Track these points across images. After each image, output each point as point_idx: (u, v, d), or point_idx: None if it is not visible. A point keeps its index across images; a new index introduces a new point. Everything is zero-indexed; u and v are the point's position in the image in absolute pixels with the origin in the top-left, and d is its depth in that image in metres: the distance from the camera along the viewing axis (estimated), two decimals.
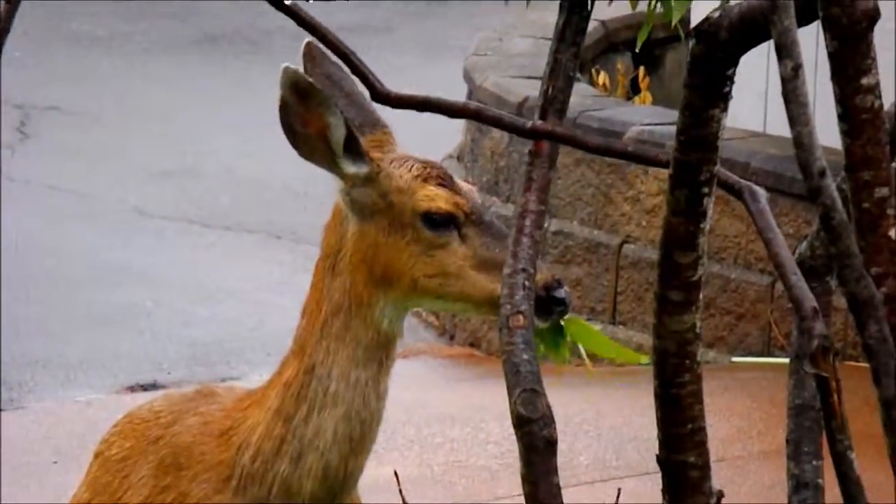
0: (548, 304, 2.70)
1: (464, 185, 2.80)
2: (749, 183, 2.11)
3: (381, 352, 2.73)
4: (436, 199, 2.75)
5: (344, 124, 2.72)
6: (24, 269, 7.79)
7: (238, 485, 2.73)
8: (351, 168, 2.76)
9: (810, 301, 1.90)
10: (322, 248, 2.80)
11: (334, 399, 2.72)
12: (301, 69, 2.79)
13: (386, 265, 2.74)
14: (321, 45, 2.47)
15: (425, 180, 2.77)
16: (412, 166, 2.78)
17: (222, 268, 8.00)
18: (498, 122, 2.35)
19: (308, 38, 2.73)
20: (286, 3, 2.22)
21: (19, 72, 9.80)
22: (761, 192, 2.08)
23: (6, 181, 8.71)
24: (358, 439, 2.72)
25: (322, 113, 2.71)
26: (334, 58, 2.46)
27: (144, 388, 6.88)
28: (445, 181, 2.77)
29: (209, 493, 2.74)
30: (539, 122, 2.29)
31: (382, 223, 2.75)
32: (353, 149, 2.75)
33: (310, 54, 2.82)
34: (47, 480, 5.74)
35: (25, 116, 9.50)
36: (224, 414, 2.79)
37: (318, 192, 8.60)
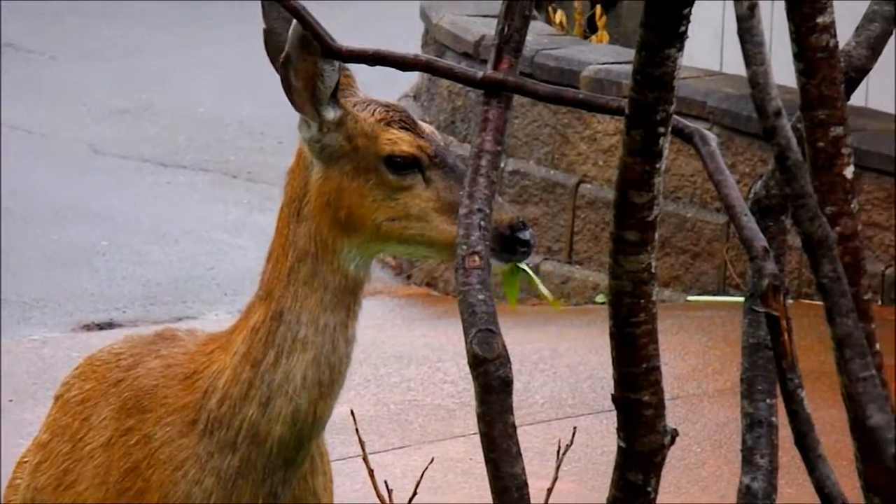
0: (512, 244, 2.71)
1: (426, 128, 2.80)
2: (699, 127, 2.11)
3: (349, 297, 2.74)
4: (399, 142, 2.74)
5: (338, 71, 2.71)
6: None
7: (204, 428, 2.74)
8: (330, 114, 2.75)
9: (760, 241, 1.91)
10: (286, 194, 2.80)
11: (303, 344, 2.72)
12: (261, 9, 2.77)
13: (350, 209, 2.73)
14: None
15: (388, 124, 2.76)
16: (375, 110, 2.77)
17: (178, 207, 7.96)
18: (449, 73, 2.34)
19: None
20: None
21: None
22: (711, 136, 2.09)
23: None
24: (327, 384, 2.73)
25: (316, 61, 2.69)
26: None
27: (100, 326, 6.86)
28: (408, 124, 2.76)
29: (174, 435, 2.74)
30: (490, 72, 2.28)
31: (347, 167, 2.75)
32: (334, 96, 2.75)
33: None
34: (4, 418, 5.72)
35: None
36: (188, 357, 2.79)
37: (275, 132, 8.56)
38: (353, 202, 2.74)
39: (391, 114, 2.78)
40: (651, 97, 2.02)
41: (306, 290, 2.73)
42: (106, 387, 2.81)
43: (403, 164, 2.74)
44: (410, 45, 7.78)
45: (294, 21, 2.66)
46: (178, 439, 2.75)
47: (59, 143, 8.51)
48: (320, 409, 2.74)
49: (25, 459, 2.92)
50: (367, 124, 2.76)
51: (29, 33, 9.71)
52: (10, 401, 5.87)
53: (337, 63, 2.71)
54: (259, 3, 2.78)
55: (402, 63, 2.30)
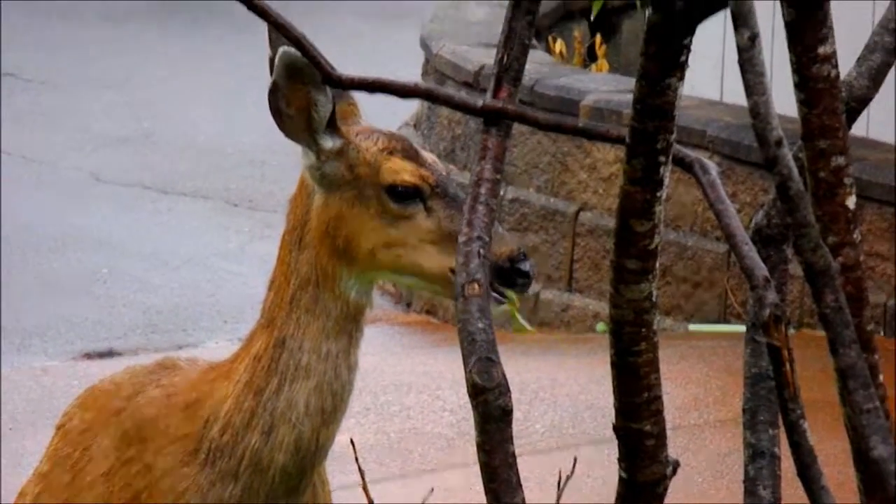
0: (511, 276, 2.71)
1: (429, 157, 2.80)
2: (699, 156, 2.11)
3: (350, 324, 2.74)
4: (401, 171, 2.75)
5: (332, 101, 2.72)
6: None
7: (206, 458, 2.73)
8: (328, 143, 2.75)
9: (762, 270, 1.91)
10: (288, 221, 2.80)
11: (306, 371, 2.72)
12: (267, 38, 2.77)
13: (350, 237, 2.74)
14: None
15: (391, 153, 2.76)
16: (378, 139, 2.78)
17: (178, 235, 7.96)
18: (449, 101, 2.35)
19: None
20: None
21: None
22: (711, 165, 2.09)
23: None
24: (330, 411, 2.73)
25: (310, 90, 2.70)
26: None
27: (101, 355, 6.85)
28: (410, 153, 2.77)
29: (175, 465, 2.73)
30: (490, 101, 2.28)
31: (348, 195, 2.75)
32: (331, 125, 2.75)
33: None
34: (3, 447, 5.71)
35: None
36: (189, 386, 2.79)
37: (275, 160, 8.57)
38: (354, 230, 2.74)
39: (393, 143, 2.78)
40: (651, 126, 2.02)
41: (308, 318, 2.73)
42: (107, 416, 2.81)
43: (405, 194, 2.74)
44: (411, 75, 7.78)
45: (281, 49, 2.67)
46: (180, 469, 2.74)
47: (60, 170, 8.51)
48: (323, 436, 2.73)
49: (26, 491, 2.91)
50: (369, 153, 2.76)
51: (30, 62, 9.73)
52: (10, 429, 5.86)
53: (330, 92, 2.71)
54: (263, 31, 2.79)
55: (403, 91, 2.30)
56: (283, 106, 2.71)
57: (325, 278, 2.74)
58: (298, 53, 2.67)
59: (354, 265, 2.74)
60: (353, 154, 2.76)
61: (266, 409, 2.72)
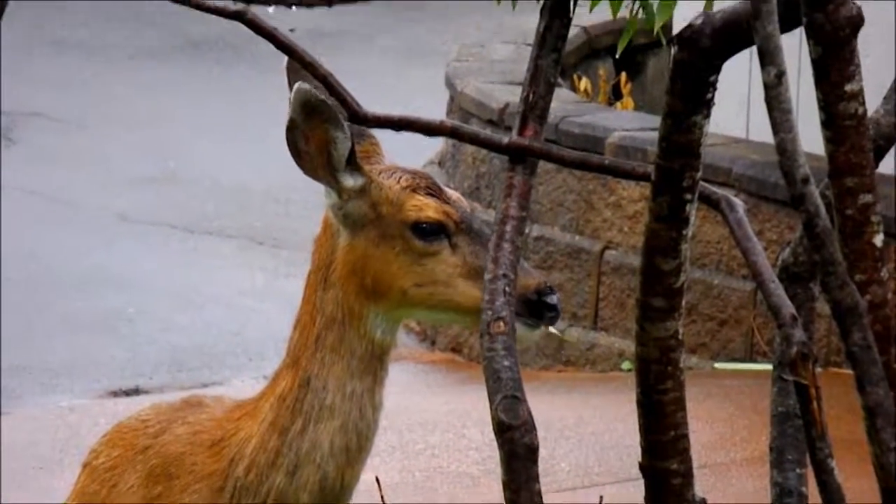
0: (539, 310, 2.70)
1: (452, 194, 2.80)
2: (726, 194, 2.11)
3: (375, 363, 2.73)
4: (425, 208, 2.75)
5: (350, 138, 2.72)
6: (6, 274, 7.77)
7: (231, 496, 2.73)
8: (349, 181, 2.76)
9: (789, 308, 1.90)
10: (313, 261, 2.80)
11: (331, 411, 2.72)
12: (286, 80, 2.78)
13: (375, 276, 2.73)
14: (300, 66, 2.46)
15: (414, 190, 2.77)
16: (401, 177, 2.78)
17: (204, 273, 7.98)
18: (475, 139, 2.35)
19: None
20: (265, 27, 2.21)
21: (3, 78, 9.78)
22: (738, 203, 2.08)
23: None
24: (355, 450, 2.72)
25: (328, 128, 2.70)
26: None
27: (127, 393, 6.86)
28: (434, 191, 2.77)
29: (201, 502, 2.73)
30: (516, 138, 2.29)
31: (372, 234, 2.75)
32: (352, 164, 2.76)
33: (293, 67, 2.81)
34: (30, 485, 5.72)
35: (10, 122, 9.48)
36: (214, 424, 2.79)
37: (300, 197, 8.59)
38: (379, 269, 2.74)
39: (417, 180, 2.78)
40: (677, 164, 2.02)
41: (333, 357, 2.73)
42: (133, 454, 2.81)
43: (430, 231, 2.75)
44: (435, 114, 7.81)
45: (296, 85, 2.67)
46: None
47: (86, 210, 8.55)
48: (348, 476, 2.73)
49: None
50: (392, 191, 2.76)
51: (57, 102, 9.79)
52: (38, 468, 5.87)
53: (348, 129, 2.72)
54: (285, 72, 2.79)
55: (429, 129, 2.31)
56: (302, 143, 2.71)
57: (351, 317, 2.74)
58: (314, 90, 2.68)
59: (382, 303, 2.74)
60: (375, 192, 2.76)
61: (291, 449, 2.72)
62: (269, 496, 2.72)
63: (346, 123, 2.69)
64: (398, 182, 2.77)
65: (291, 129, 2.69)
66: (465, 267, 2.73)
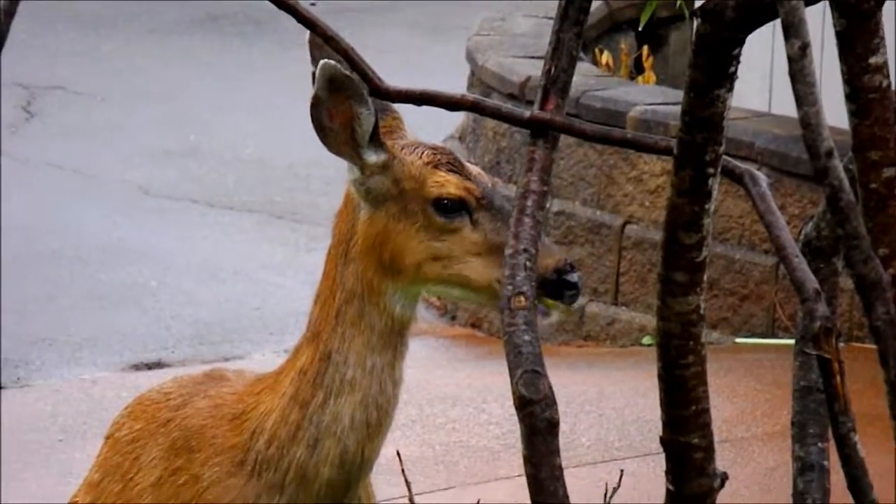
0: (559, 288, 2.70)
1: (474, 170, 2.79)
2: (749, 167, 2.10)
3: (396, 337, 2.73)
4: (446, 185, 2.74)
5: (374, 114, 2.71)
6: (29, 248, 7.79)
7: (252, 469, 2.74)
8: (372, 157, 2.75)
9: (812, 283, 1.89)
10: (334, 236, 2.80)
11: (351, 385, 2.72)
12: (308, 54, 2.77)
13: (394, 251, 2.73)
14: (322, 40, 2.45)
15: (436, 166, 2.76)
16: (423, 152, 2.77)
17: (225, 247, 7.99)
18: (496, 113, 2.34)
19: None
20: (287, 1, 2.21)
21: (24, 51, 9.78)
22: (761, 177, 2.08)
23: (11, 161, 8.71)
24: (375, 425, 2.72)
25: (353, 104, 2.69)
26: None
27: (149, 366, 6.89)
28: (456, 166, 2.76)
29: (222, 476, 2.74)
30: (537, 112, 2.28)
31: (393, 209, 2.75)
32: (375, 140, 2.75)
33: (315, 41, 2.81)
34: (53, 458, 5.74)
35: (30, 96, 9.49)
36: (236, 398, 2.80)
37: (321, 173, 8.59)
38: (400, 244, 2.74)
39: (438, 156, 2.78)
40: (700, 138, 2.01)
41: (353, 331, 2.73)
42: (155, 426, 2.82)
43: (451, 207, 2.74)
44: (456, 88, 7.79)
45: (322, 62, 2.66)
46: (226, 479, 2.75)
47: (108, 183, 8.56)
48: (368, 450, 2.73)
49: (75, 500, 2.93)
50: (414, 167, 2.76)
51: (79, 76, 9.80)
52: (60, 440, 5.89)
53: (372, 105, 2.71)
54: (306, 46, 2.79)
55: (450, 103, 2.31)
56: (326, 120, 2.71)
57: (370, 292, 2.74)
58: (339, 66, 2.67)
59: (400, 279, 2.73)
60: (397, 168, 2.75)
61: (311, 423, 2.73)
62: (290, 469, 2.73)
63: (370, 99, 2.69)
64: (420, 157, 2.77)
65: (316, 105, 2.69)
66: (485, 244, 2.73)
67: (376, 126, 2.74)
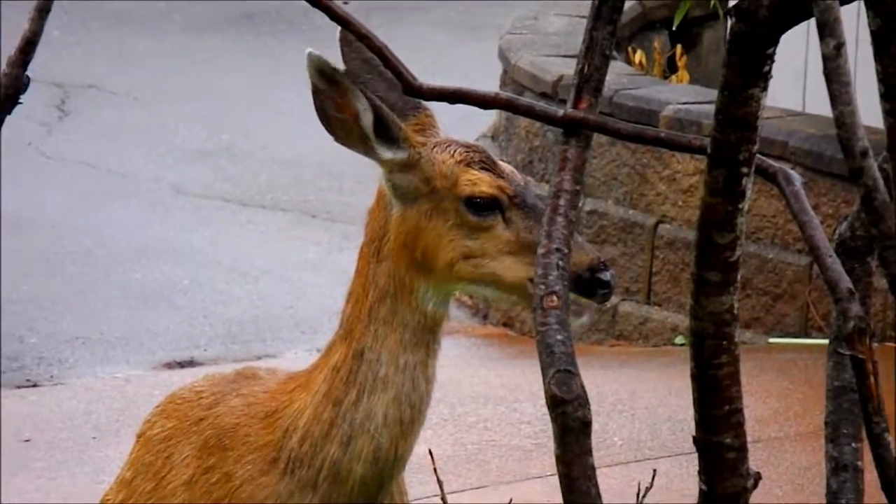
0: (592, 286, 2.69)
1: (506, 168, 2.79)
2: (783, 167, 2.09)
3: (428, 335, 2.74)
4: (479, 183, 2.74)
5: (371, 110, 2.70)
6: (62, 246, 7.83)
7: (285, 467, 2.74)
8: (387, 154, 2.75)
9: (846, 282, 1.89)
10: (366, 233, 2.80)
11: (384, 383, 2.72)
12: (340, 52, 2.77)
13: (428, 249, 2.73)
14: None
15: (468, 164, 2.76)
16: (455, 150, 2.77)
17: (258, 246, 8.01)
18: (530, 112, 2.34)
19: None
20: None
21: (59, 50, 9.83)
22: (795, 176, 2.07)
23: (45, 159, 8.75)
24: (408, 422, 2.73)
25: (349, 98, 2.69)
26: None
27: (182, 364, 6.91)
28: (488, 165, 2.76)
29: (255, 474, 2.75)
30: (571, 111, 2.28)
31: (425, 207, 2.75)
32: (387, 134, 2.74)
33: (346, 39, 2.81)
34: (86, 455, 5.77)
35: (65, 95, 9.53)
36: (268, 396, 2.80)
37: (353, 171, 8.60)
38: (432, 242, 2.74)
39: (471, 154, 2.77)
40: (734, 137, 2.00)
41: (386, 329, 2.74)
42: (188, 425, 2.83)
43: (483, 205, 2.74)
44: (488, 86, 7.78)
45: (307, 52, 2.66)
46: (259, 478, 2.75)
47: (141, 182, 8.60)
48: (401, 447, 2.73)
49: (108, 498, 2.94)
50: (445, 165, 2.76)
51: (112, 75, 9.84)
52: (94, 438, 5.92)
53: (370, 103, 2.70)
54: (338, 46, 2.79)
55: (484, 101, 2.30)
56: (332, 110, 2.70)
57: (402, 290, 2.74)
58: (323, 57, 2.67)
59: (432, 277, 2.73)
60: (427, 167, 2.75)
61: (345, 420, 2.73)
62: (323, 467, 2.73)
63: (366, 94, 2.69)
64: (452, 156, 2.76)
65: (316, 93, 2.69)
66: (518, 242, 2.72)
67: (382, 122, 2.72)
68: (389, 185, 2.76)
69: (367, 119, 2.70)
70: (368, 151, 2.74)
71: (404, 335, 2.73)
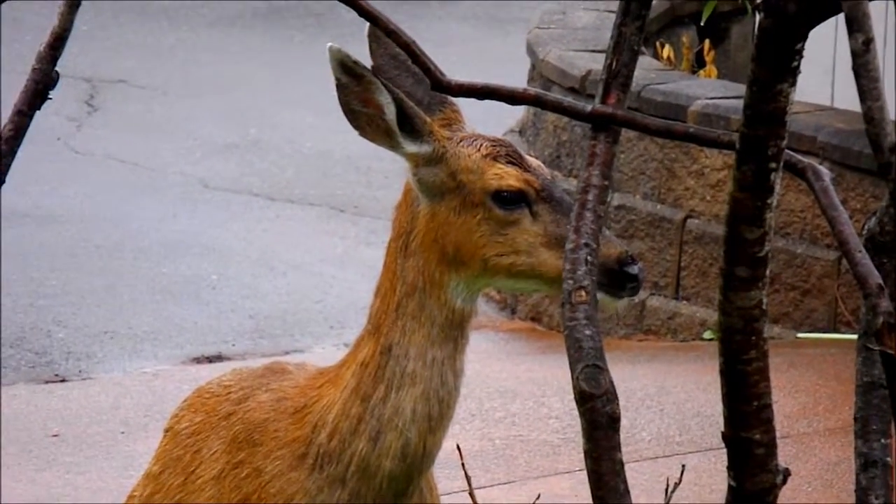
0: (621, 280, 2.69)
1: (533, 162, 2.79)
2: (812, 162, 2.09)
3: (456, 330, 2.74)
4: (506, 177, 2.74)
5: (393, 103, 2.71)
6: (91, 241, 7.86)
7: (314, 462, 2.74)
8: (412, 147, 2.75)
9: (875, 278, 1.88)
10: (394, 228, 2.80)
11: (412, 378, 2.72)
12: (368, 47, 2.78)
13: (457, 245, 2.73)
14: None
15: (495, 158, 2.76)
16: (481, 145, 2.77)
17: (286, 241, 8.03)
18: (558, 107, 2.34)
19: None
20: None
21: (87, 45, 9.86)
22: (824, 171, 2.06)
23: (74, 154, 8.78)
24: (436, 417, 2.73)
25: (372, 91, 2.69)
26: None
27: (210, 359, 6.93)
28: (515, 159, 2.76)
29: (284, 469, 2.75)
30: (599, 106, 2.27)
31: (453, 203, 2.75)
32: (412, 128, 2.74)
33: (374, 34, 2.81)
34: (115, 450, 5.79)
35: (93, 89, 9.56)
36: (298, 391, 2.80)
37: (381, 166, 8.61)
38: (460, 237, 2.73)
39: (497, 148, 2.77)
40: (762, 132, 2.00)
41: (414, 325, 2.74)
42: (216, 420, 2.83)
43: (511, 199, 2.74)
44: (516, 81, 7.77)
45: (329, 46, 2.66)
46: (288, 473, 2.76)
47: (169, 177, 8.62)
48: (430, 443, 2.74)
49: (135, 492, 2.94)
50: (471, 160, 2.76)
51: (141, 69, 9.87)
52: (122, 433, 5.94)
53: (392, 96, 2.71)
54: (366, 41, 2.79)
55: (512, 97, 2.30)
56: (356, 104, 2.71)
57: (431, 285, 2.74)
58: (344, 50, 2.67)
59: (463, 272, 2.73)
60: (453, 161, 2.75)
61: (373, 416, 2.73)
62: (352, 463, 2.74)
63: (389, 87, 2.69)
64: (478, 150, 2.76)
65: (339, 87, 2.69)
66: (546, 236, 2.72)
67: (405, 115, 2.72)
68: (415, 179, 2.76)
69: (391, 112, 2.71)
70: (393, 145, 2.75)
71: (432, 330, 2.73)
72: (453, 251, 2.74)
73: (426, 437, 2.73)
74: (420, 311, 2.74)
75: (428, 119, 2.77)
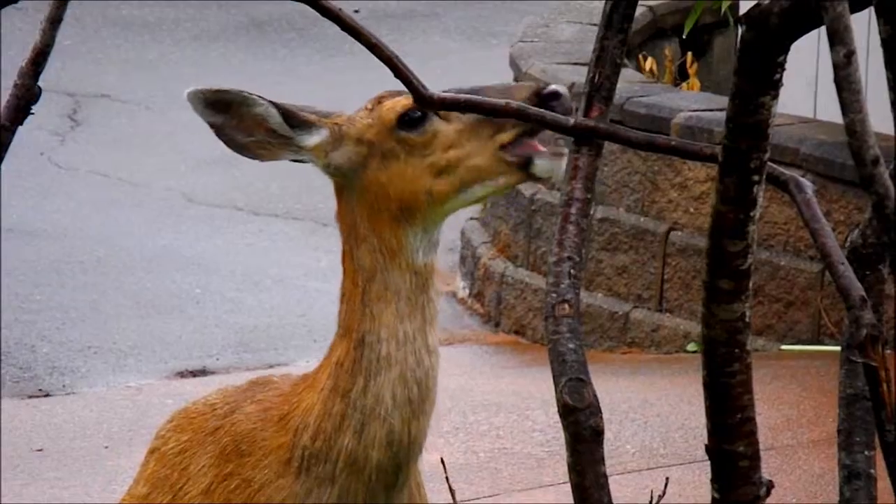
0: (546, 105, 2.60)
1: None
2: (794, 174, 2.09)
3: (421, 295, 2.71)
4: (397, 103, 2.73)
5: (272, 105, 2.70)
6: (75, 255, 7.84)
7: (300, 466, 2.74)
8: (313, 139, 2.75)
9: (858, 290, 1.88)
10: (342, 234, 2.81)
11: (387, 361, 2.72)
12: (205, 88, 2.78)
13: (399, 196, 2.71)
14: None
15: (380, 100, 2.76)
16: (366, 103, 2.77)
17: (270, 255, 8.02)
18: (540, 120, 2.34)
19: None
20: (331, 8, 2.22)
21: (70, 60, 9.85)
22: (807, 183, 2.07)
23: (57, 169, 8.77)
24: (417, 401, 2.72)
25: (251, 110, 2.70)
26: None
27: (194, 373, 6.92)
28: (399, 92, 2.75)
29: (272, 477, 2.75)
30: (581, 119, 2.28)
31: (374, 163, 2.73)
32: (301, 125, 2.73)
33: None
34: (99, 465, 5.77)
35: (76, 104, 9.55)
36: (282, 399, 2.81)
37: None
38: (398, 187, 2.72)
39: (379, 94, 2.78)
40: (745, 145, 2.00)
41: (381, 306, 2.73)
42: (203, 436, 2.83)
43: (416, 119, 2.72)
44: None
45: (186, 92, 2.67)
46: (276, 480, 2.75)
47: (152, 191, 8.61)
48: (414, 429, 2.73)
49: None
50: (364, 116, 2.76)
51: (124, 84, 9.86)
52: (106, 447, 5.92)
53: (266, 101, 2.70)
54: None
55: (494, 110, 2.31)
56: (242, 137, 2.72)
57: (391, 255, 2.72)
58: (200, 89, 2.68)
59: (417, 217, 2.71)
60: (352, 130, 2.75)
61: (356, 409, 2.73)
62: (339, 459, 2.73)
63: (259, 97, 2.70)
64: (364, 108, 2.77)
65: (216, 130, 2.70)
66: (466, 127, 2.70)
67: (292, 114, 2.72)
68: (332, 168, 2.76)
69: (276, 116, 2.72)
70: (296, 150, 2.75)
71: (399, 304, 2.71)
72: (398, 205, 2.72)
73: (410, 423, 2.72)
74: (385, 290, 2.72)
75: (308, 111, 2.78)
